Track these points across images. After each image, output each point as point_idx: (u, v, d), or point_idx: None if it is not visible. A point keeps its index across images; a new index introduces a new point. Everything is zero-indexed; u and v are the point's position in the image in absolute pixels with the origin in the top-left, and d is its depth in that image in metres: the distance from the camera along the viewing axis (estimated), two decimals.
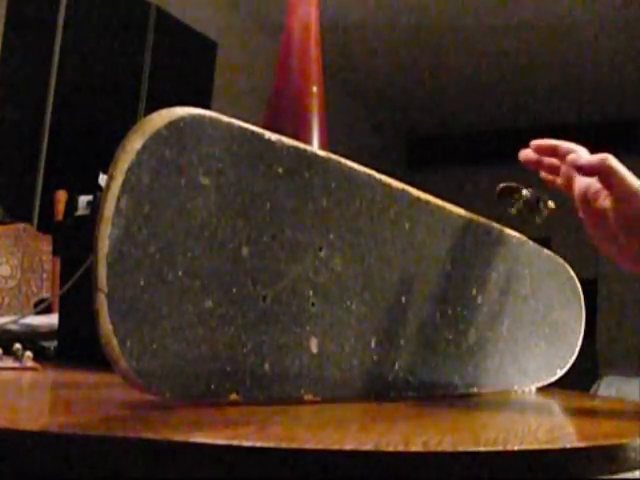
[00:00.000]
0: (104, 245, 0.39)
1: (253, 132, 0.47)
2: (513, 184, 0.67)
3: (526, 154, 0.68)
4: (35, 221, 3.13)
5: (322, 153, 0.52)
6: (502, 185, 0.67)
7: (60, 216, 1.52)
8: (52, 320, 0.84)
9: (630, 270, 0.62)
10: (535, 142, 0.67)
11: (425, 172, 5.84)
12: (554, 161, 0.66)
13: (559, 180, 0.66)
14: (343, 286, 0.53)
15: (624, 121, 5.57)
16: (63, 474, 0.32)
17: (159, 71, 3.90)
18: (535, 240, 0.77)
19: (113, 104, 3.66)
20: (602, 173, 0.59)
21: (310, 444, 0.33)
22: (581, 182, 0.63)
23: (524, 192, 0.67)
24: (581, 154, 0.63)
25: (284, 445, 0.33)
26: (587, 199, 0.62)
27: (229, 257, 0.45)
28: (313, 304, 0.50)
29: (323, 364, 0.51)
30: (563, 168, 0.65)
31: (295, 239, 0.49)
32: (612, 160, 0.59)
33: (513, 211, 0.66)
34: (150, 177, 0.41)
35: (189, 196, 0.43)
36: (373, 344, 0.55)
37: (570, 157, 0.62)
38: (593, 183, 0.61)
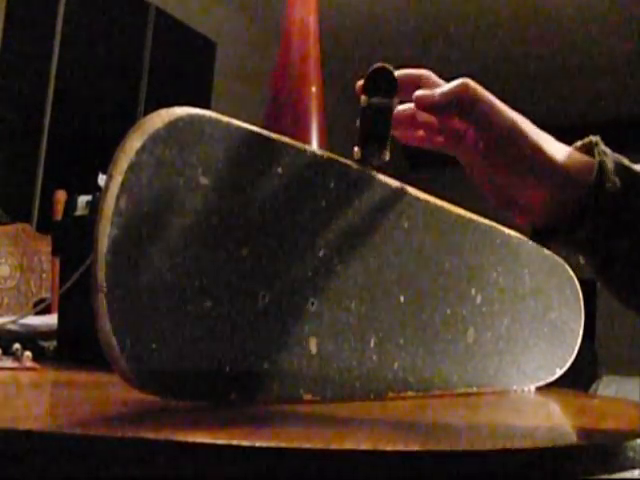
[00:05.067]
0: (103, 245, 0.39)
1: (252, 132, 0.47)
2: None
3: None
4: (34, 221, 3.13)
5: (321, 153, 0.52)
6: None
7: (59, 216, 1.51)
8: (51, 320, 0.84)
9: (524, 223, 0.53)
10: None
11: (424, 171, 5.84)
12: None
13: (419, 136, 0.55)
14: (342, 286, 0.53)
15: (624, 121, 5.57)
16: (62, 474, 0.32)
17: (158, 71, 3.90)
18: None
19: (112, 104, 3.66)
20: (463, 107, 0.48)
21: (309, 444, 0.33)
22: (442, 123, 0.51)
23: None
24: (432, 82, 0.51)
25: (283, 445, 0.33)
26: (455, 140, 0.51)
27: (228, 257, 0.45)
28: (312, 304, 0.50)
29: (322, 364, 0.51)
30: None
31: (294, 239, 0.49)
32: (473, 85, 0.48)
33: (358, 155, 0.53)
34: (149, 177, 0.41)
35: (188, 196, 0.43)
36: (372, 344, 0.55)
37: (419, 96, 0.49)
38: (456, 120, 0.50)
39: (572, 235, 0.48)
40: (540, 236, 0.51)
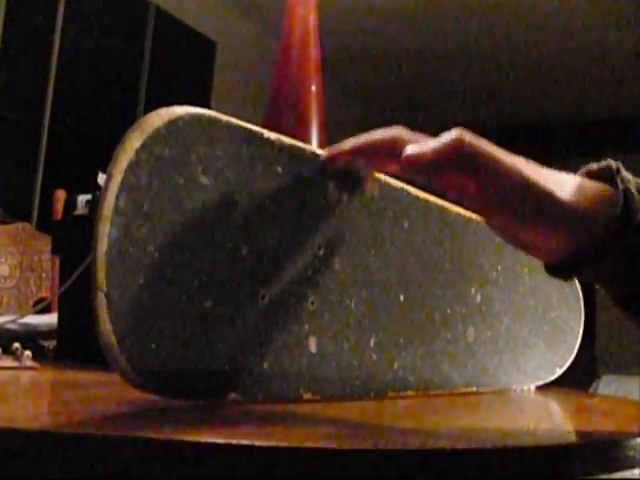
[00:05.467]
0: (103, 244, 0.39)
1: (252, 131, 0.47)
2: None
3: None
4: (34, 220, 3.13)
5: (321, 153, 0.52)
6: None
7: (59, 215, 1.51)
8: (51, 319, 0.84)
9: (546, 261, 0.48)
10: (344, 148, 0.49)
11: None
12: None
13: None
14: (342, 285, 0.53)
15: (624, 121, 5.57)
16: (62, 474, 0.32)
17: (158, 70, 3.90)
18: None
19: (112, 103, 3.66)
20: (460, 164, 0.42)
21: (309, 444, 0.33)
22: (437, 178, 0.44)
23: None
24: (406, 141, 0.44)
25: (283, 444, 0.33)
26: (458, 193, 0.44)
27: (228, 256, 0.45)
28: (312, 303, 0.50)
29: (322, 363, 0.51)
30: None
31: (294, 238, 0.49)
32: (467, 139, 0.42)
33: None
34: (149, 176, 0.41)
35: (188, 195, 0.43)
36: (372, 343, 0.55)
37: (409, 156, 0.42)
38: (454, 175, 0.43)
39: (594, 270, 0.44)
40: (556, 271, 0.47)
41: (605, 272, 0.44)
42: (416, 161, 0.42)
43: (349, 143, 0.48)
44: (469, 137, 0.42)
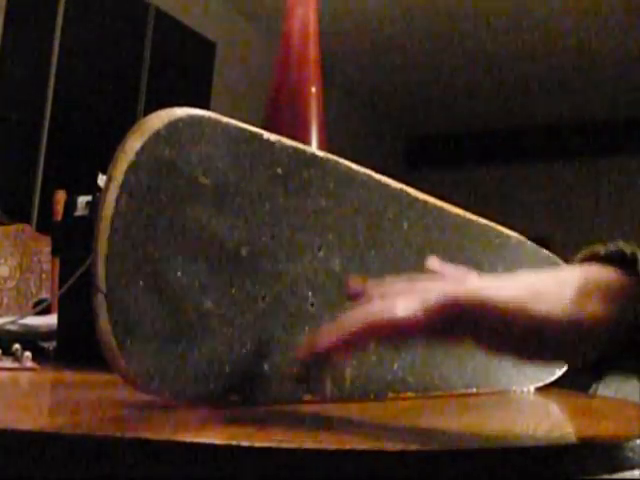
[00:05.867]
0: (103, 245, 0.39)
1: (252, 132, 0.47)
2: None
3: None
4: (34, 221, 3.13)
5: (321, 153, 0.52)
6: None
7: (59, 216, 1.51)
8: (51, 320, 0.84)
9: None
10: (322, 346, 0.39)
11: (424, 172, 5.84)
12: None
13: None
14: (342, 286, 0.53)
15: (624, 121, 5.57)
16: (62, 474, 0.32)
17: (158, 71, 3.90)
18: (534, 240, 0.77)
19: (112, 104, 3.66)
20: (455, 321, 0.38)
21: (309, 444, 0.34)
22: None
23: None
24: (377, 296, 0.41)
25: (283, 445, 0.33)
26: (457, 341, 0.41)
27: (228, 257, 0.45)
28: (312, 304, 0.50)
29: None
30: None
31: (294, 239, 0.49)
32: (458, 295, 0.38)
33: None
34: (149, 177, 0.41)
35: (188, 196, 0.43)
36: (372, 344, 0.55)
37: (392, 319, 0.38)
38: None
39: (618, 367, 0.41)
40: (579, 373, 0.43)
41: (632, 366, 0.41)
42: (402, 325, 0.38)
43: (332, 334, 0.39)
44: (461, 294, 0.38)
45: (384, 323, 0.38)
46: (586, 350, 0.40)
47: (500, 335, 0.39)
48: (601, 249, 0.42)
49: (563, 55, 4.76)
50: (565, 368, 0.82)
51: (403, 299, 0.39)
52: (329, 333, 0.39)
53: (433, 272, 0.46)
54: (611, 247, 0.42)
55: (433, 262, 0.47)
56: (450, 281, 0.42)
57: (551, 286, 0.40)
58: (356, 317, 0.39)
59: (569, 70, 4.96)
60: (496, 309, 0.38)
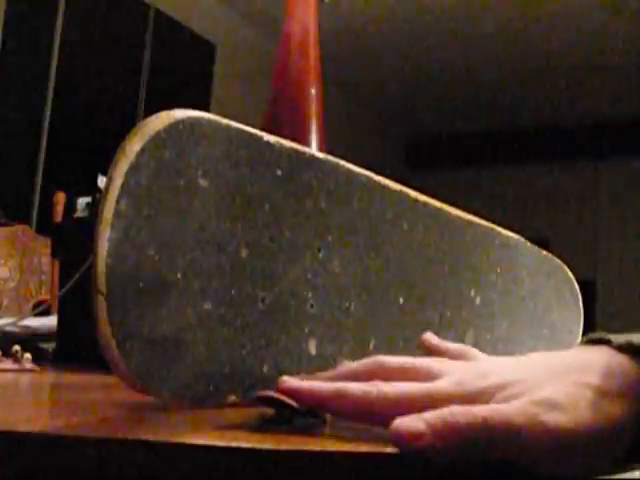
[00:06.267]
0: (103, 247, 0.39)
1: (252, 134, 0.47)
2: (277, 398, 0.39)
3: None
4: (34, 223, 3.13)
5: (321, 155, 0.52)
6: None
7: (59, 218, 1.52)
8: (51, 322, 0.84)
9: None
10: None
11: (424, 174, 5.84)
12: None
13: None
14: (342, 287, 0.53)
15: (624, 122, 5.57)
16: (62, 476, 0.32)
17: (158, 73, 3.91)
18: (534, 241, 0.77)
19: (112, 106, 3.66)
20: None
21: (309, 446, 0.34)
22: None
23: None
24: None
25: (283, 447, 0.33)
26: None
27: (228, 259, 0.45)
28: (312, 305, 0.50)
29: (322, 365, 0.51)
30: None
31: (294, 241, 0.49)
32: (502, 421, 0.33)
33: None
34: (149, 179, 0.41)
35: (188, 198, 0.43)
36: (372, 346, 0.55)
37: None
38: None
39: None
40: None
41: None
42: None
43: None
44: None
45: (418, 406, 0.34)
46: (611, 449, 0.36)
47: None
48: (607, 336, 0.39)
49: (564, 55, 4.76)
50: None
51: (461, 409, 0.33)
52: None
53: (430, 348, 0.46)
54: (619, 338, 0.38)
55: (430, 338, 0.47)
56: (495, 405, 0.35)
57: (555, 375, 0.36)
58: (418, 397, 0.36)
59: (569, 71, 4.97)
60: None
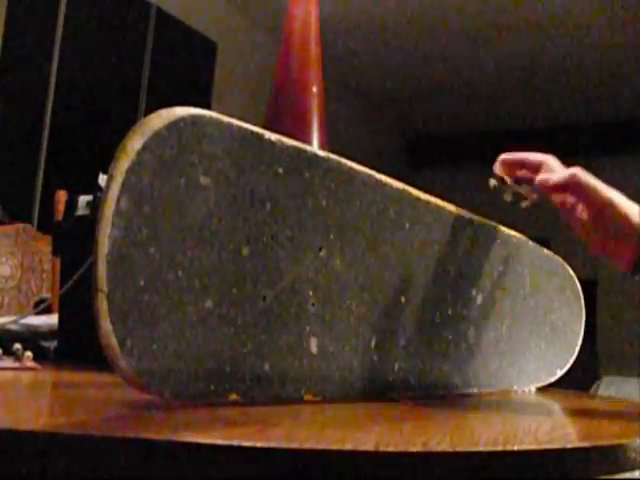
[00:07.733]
0: (104, 245, 0.39)
1: (253, 132, 0.47)
2: (498, 176, 0.68)
3: (497, 170, 0.69)
4: (35, 221, 3.13)
5: (322, 153, 0.52)
6: (492, 180, 0.67)
7: (60, 216, 1.51)
8: (52, 320, 0.84)
9: (624, 271, 0.65)
10: (502, 157, 0.67)
11: (425, 172, 5.84)
12: (525, 173, 0.67)
13: (534, 196, 0.69)
14: (343, 286, 0.53)
15: (621, 121, 5.57)
16: (62, 474, 0.32)
17: (159, 71, 3.90)
18: (535, 240, 0.77)
19: (113, 104, 3.66)
20: (572, 189, 0.63)
21: (310, 444, 0.33)
22: (557, 196, 0.65)
23: (508, 181, 0.68)
24: (550, 167, 0.65)
25: (284, 445, 0.33)
26: (568, 210, 0.64)
27: (229, 257, 0.45)
28: (313, 304, 0.50)
29: (323, 364, 0.51)
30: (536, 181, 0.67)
31: (295, 239, 0.49)
32: (580, 174, 0.63)
33: (507, 197, 0.68)
34: (150, 177, 0.41)
35: (189, 196, 0.43)
36: (373, 344, 0.55)
37: (539, 180, 0.65)
38: (568, 196, 0.64)
39: None
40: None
41: None
42: (542, 183, 0.65)
43: (510, 157, 0.67)
44: (580, 173, 0.63)
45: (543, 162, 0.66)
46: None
47: (595, 209, 0.62)
48: None
49: (564, 56, 4.76)
50: (567, 367, 0.82)
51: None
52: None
53: (518, 160, 0.67)
54: None
55: (506, 157, 0.67)
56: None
57: (625, 200, 0.63)
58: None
59: (569, 71, 4.96)
60: (598, 191, 0.62)
